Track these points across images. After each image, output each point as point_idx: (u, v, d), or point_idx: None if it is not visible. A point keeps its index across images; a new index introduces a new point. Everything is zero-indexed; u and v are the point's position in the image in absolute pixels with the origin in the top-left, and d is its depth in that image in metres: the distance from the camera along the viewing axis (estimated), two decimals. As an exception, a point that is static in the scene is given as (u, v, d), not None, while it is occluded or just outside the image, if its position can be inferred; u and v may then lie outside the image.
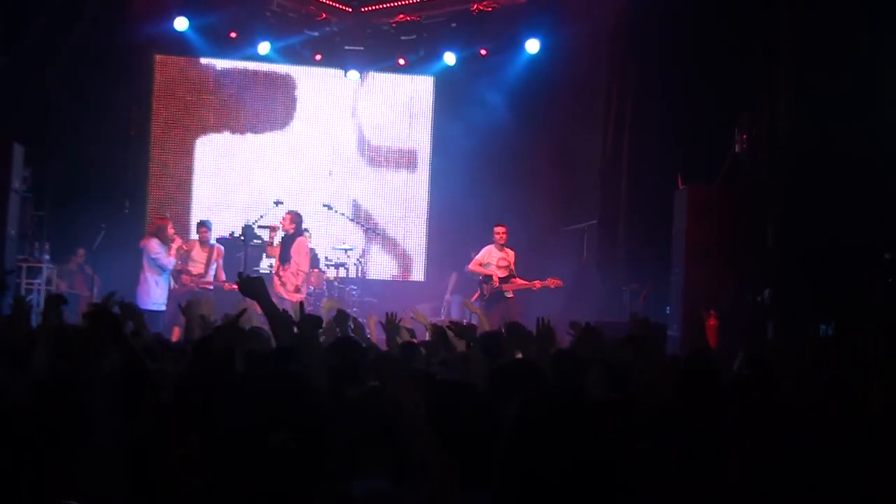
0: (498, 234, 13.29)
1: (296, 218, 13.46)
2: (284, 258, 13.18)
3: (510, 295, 13.13)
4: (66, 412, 3.35)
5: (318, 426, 3.05)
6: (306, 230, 14.56)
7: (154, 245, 12.85)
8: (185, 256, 13.32)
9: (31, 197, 14.21)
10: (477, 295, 13.20)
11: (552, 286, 13.20)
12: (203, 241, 13.51)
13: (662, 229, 13.51)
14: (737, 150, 13.15)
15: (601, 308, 13.80)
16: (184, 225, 15.85)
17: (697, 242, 12.71)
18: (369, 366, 4.79)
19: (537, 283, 13.15)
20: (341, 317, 6.69)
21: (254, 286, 5.02)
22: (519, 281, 13.17)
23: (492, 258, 13.29)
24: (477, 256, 13.42)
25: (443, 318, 13.84)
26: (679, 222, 13.16)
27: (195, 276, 13.24)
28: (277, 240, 13.46)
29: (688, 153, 13.50)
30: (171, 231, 13.13)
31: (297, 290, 13.36)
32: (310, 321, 4.68)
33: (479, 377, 4.50)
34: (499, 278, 13.15)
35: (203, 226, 13.60)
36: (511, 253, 13.32)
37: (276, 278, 13.13)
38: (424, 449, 2.76)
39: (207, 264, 13.36)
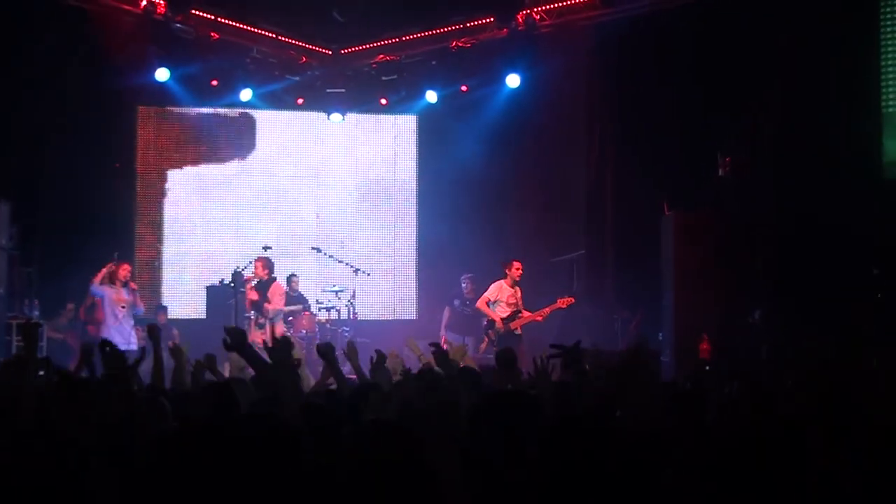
0: (517, 270, 13.22)
1: (268, 264, 13.51)
2: (263, 303, 13.21)
3: (518, 332, 13.12)
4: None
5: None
6: (294, 275, 14.60)
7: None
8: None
9: (19, 253, 14.21)
10: (485, 343, 13.16)
11: (564, 306, 13.14)
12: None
13: (650, 256, 13.58)
14: (720, 173, 13.24)
15: (594, 338, 13.81)
16: (173, 273, 15.92)
17: (686, 267, 12.78)
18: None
19: (546, 311, 13.11)
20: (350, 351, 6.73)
21: (238, 340, 5.06)
22: (526, 314, 13.16)
23: (502, 295, 13.25)
24: (486, 293, 13.39)
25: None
26: (666, 248, 13.23)
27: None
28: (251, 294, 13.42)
29: (672, 179, 13.59)
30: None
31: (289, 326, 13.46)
32: (282, 344, 4.69)
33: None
34: (502, 319, 13.14)
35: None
36: (519, 290, 13.30)
37: (254, 328, 13.11)
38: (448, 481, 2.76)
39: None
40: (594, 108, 15.14)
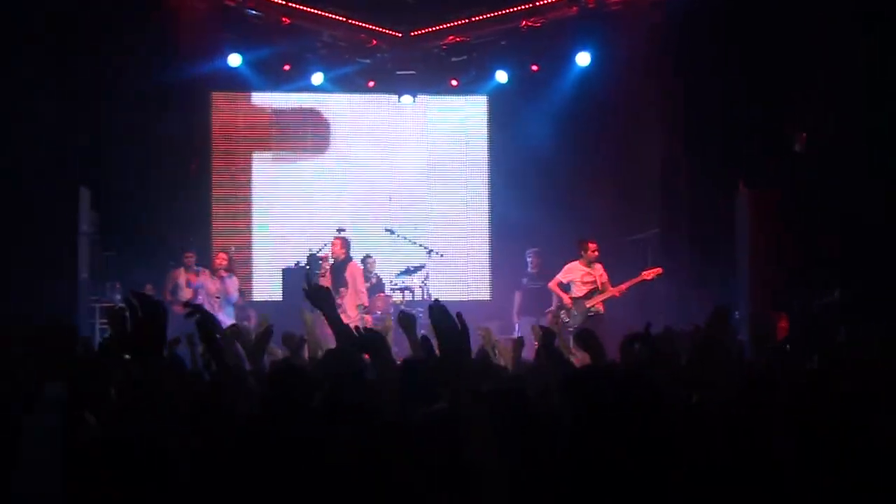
0: (592, 250, 13.17)
1: (345, 244, 13.58)
2: (339, 284, 13.26)
3: (600, 311, 13.07)
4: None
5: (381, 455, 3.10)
6: (369, 256, 14.67)
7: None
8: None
9: (100, 238, 14.51)
10: (560, 322, 12.96)
11: (650, 277, 13.00)
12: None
13: (725, 235, 13.44)
14: (797, 149, 13.04)
15: (668, 318, 13.70)
16: (247, 256, 16.11)
17: (762, 246, 12.64)
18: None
19: (624, 286, 13.02)
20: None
21: (321, 295, 5.06)
22: (609, 290, 13.07)
23: (575, 275, 13.18)
24: (558, 275, 13.34)
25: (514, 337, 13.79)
26: (742, 226, 13.09)
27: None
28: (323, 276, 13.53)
29: (746, 156, 13.42)
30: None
31: (366, 310, 13.49)
32: (373, 338, 4.69)
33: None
34: (574, 297, 13.11)
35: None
36: (599, 267, 13.19)
37: None
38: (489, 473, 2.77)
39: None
40: (666, 84, 14.96)
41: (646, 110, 15.35)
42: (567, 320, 12.91)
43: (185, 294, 13.32)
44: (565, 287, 13.26)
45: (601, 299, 13.02)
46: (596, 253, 13.16)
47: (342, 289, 13.26)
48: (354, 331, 4.83)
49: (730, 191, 13.24)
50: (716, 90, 13.83)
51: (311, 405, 4.07)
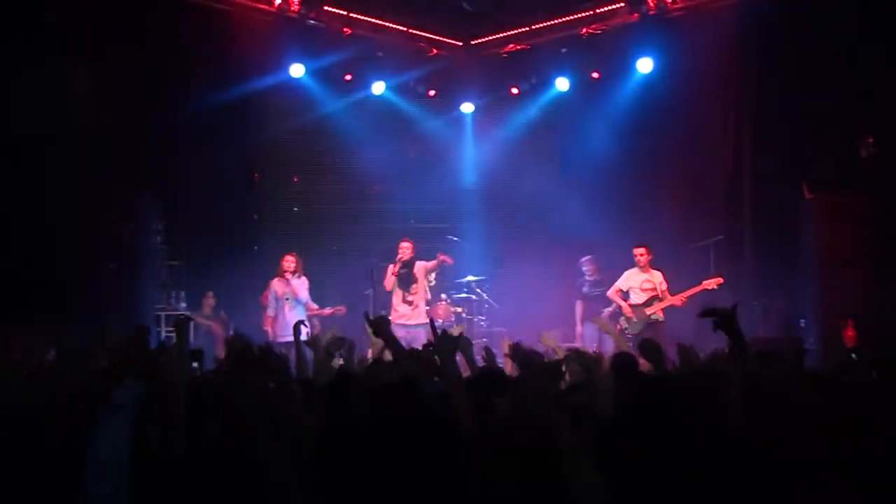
0: (637, 256, 13.17)
1: (413, 246, 13.66)
2: (409, 283, 13.35)
3: (660, 318, 13.00)
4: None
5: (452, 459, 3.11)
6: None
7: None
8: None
9: (166, 248, 14.72)
10: (618, 329, 12.96)
11: (711, 287, 12.85)
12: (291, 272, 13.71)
13: (790, 240, 13.29)
14: (863, 154, 12.87)
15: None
16: (314, 267, 16.24)
17: (829, 252, 12.47)
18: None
19: (685, 295, 12.92)
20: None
21: (382, 325, 5.16)
22: (669, 298, 13.01)
23: (633, 282, 13.18)
24: (617, 282, 13.34)
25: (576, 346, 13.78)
26: (808, 232, 12.93)
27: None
28: (390, 279, 13.56)
29: (812, 161, 13.25)
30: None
31: (428, 303, 13.61)
32: (446, 341, 4.70)
33: (607, 402, 4.48)
34: (634, 305, 13.05)
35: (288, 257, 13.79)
36: (658, 274, 13.18)
37: (404, 306, 13.27)
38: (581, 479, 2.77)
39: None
40: (730, 90, 14.83)
41: (710, 116, 15.23)
42: (626, 327, 12.87)
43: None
44: (625, 295, 13.22)
45: (661, 307, 12.94)
46: (644, 257, 13.11)
47: (413, 285, 13.36)
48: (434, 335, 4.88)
49: (795, 196, 13.08)
50: (781, 95, 13.70)
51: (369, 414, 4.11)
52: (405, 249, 13.51)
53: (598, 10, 15.32)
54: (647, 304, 12.97)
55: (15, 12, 12.18)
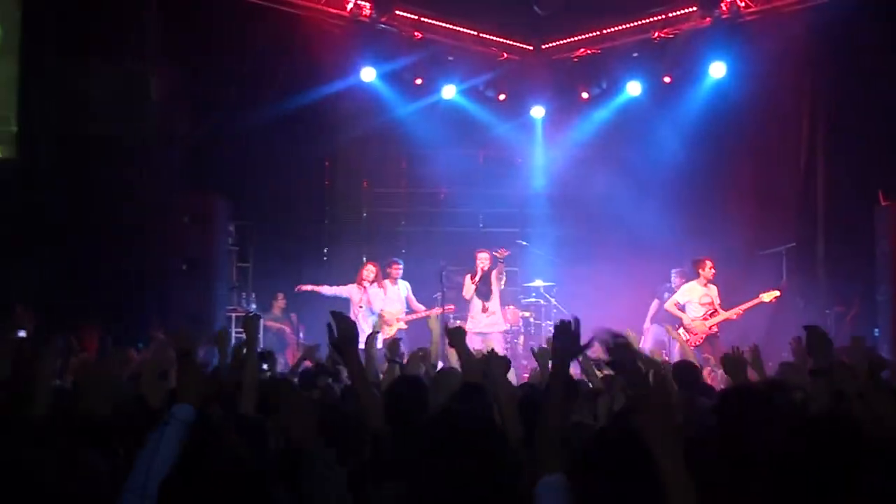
0: (708, 268, 13.13)
1: (492, 255, 13.73)
2: (488, 292, 13.43)
3: (714, 330, 12.93)
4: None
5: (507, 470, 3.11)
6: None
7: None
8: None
9: (237, 249, 14.91)
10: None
11: (769, 300, 12.80)
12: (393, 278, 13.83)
13: (864, 248, 13.07)
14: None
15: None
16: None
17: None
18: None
19: (742, 308, 12.88)
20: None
21: (457, 335, 5.20)
22: (723, 313, 12.96)
23: (693, 295, 13.15)
24: (676, 295, 13.34)
25: (641, 347, 13.70)
26: (882, 240, 12.71)
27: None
28: (469, 288, 13.61)
29: (887, 168, 13.03)
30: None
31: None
32: (499, 362, 4.73)
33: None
34: (692, 320, 13.01)
35: (396, 262, 13.87)
36: (714, 289, 13.16)
37: (482, 315, 13.35)
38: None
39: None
40: (804, 95, 14.62)
41: (782, 121, 15.04)
42: (687, 339, 12.81)
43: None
44: (681, 307, 13.22)
45: (718, 321, 12.90)
46: (713, 271, 13.09)
47: (491, 295, 13.54)
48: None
49: (869, 203, 12.86)
50: (855, 100, 13.48)
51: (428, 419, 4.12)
52: (483, 260, 13.62)
53: (670, 15, 15.19)
54: (705, 317, 12.91)
55: (88, 17, 12.45)
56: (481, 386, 4.72)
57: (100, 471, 3.05)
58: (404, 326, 13.56)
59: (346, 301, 13.56)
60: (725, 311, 12.93)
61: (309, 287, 13.75)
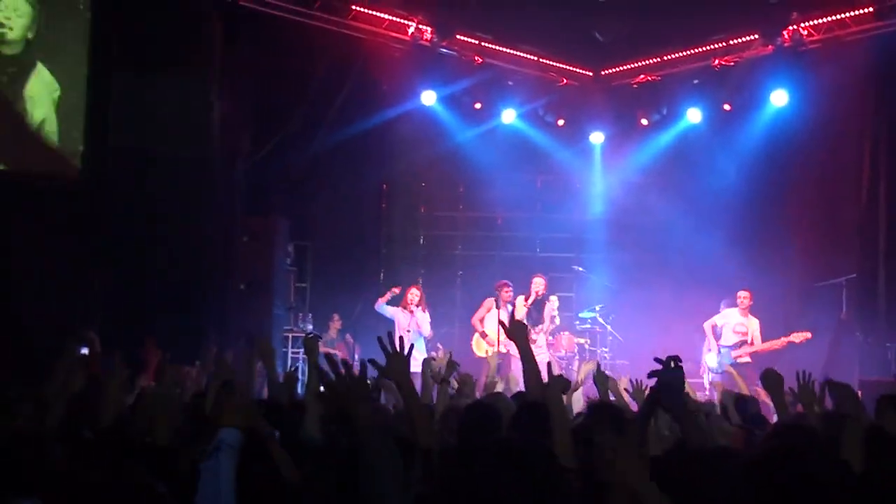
0: (741, 298, 13.40)
1: (547, 282, 13.73)
2: (538, 321, 13.40)
3: (748, 360, 12.95)
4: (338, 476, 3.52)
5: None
6: (552, 295, 14.68)
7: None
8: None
9: (295, 270, 15.05)
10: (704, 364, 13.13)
11: (798, 341, 12.86)
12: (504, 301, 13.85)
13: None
14: None
15: (864, 366, 13.20)
16: (435, 293, 16.31)
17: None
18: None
19: (767, 347, 13.06)
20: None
21: (518, 329, 5.19)
22: (755, 346, 13.16)
23: (730, 320, 13.43)
24: (715, 316, 13.65)
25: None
26: (945, 273, 12.53)
27: None
28: (521, 310, 13.58)
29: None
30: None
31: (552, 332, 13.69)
32: (559, 382, 4.72)
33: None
34: (719, 344, 13.38)
35: (507, 285, 13.88)
36: (755, 321, 13.34)
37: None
38: None
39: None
40: (865, 125, 14.45)
41: (844, 151, 14.88)
42: (711, 365, 13.23)
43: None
44: (717, 330, 13.54)
45: (747, 352, 13.10)
46: (746, 301, 13.34)
47: (539, 325, 13.41)
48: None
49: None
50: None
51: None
52: (539, 285, 13.60)
53: (731, 42, 15.10)
54: (735, 346, 13.17)
55: (153, 39, 12.67)
56: (539, 409, 4.71)
57: (159, 493, 3.11)
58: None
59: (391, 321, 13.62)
60: (761, 344, 13.17)
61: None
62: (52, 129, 12.77)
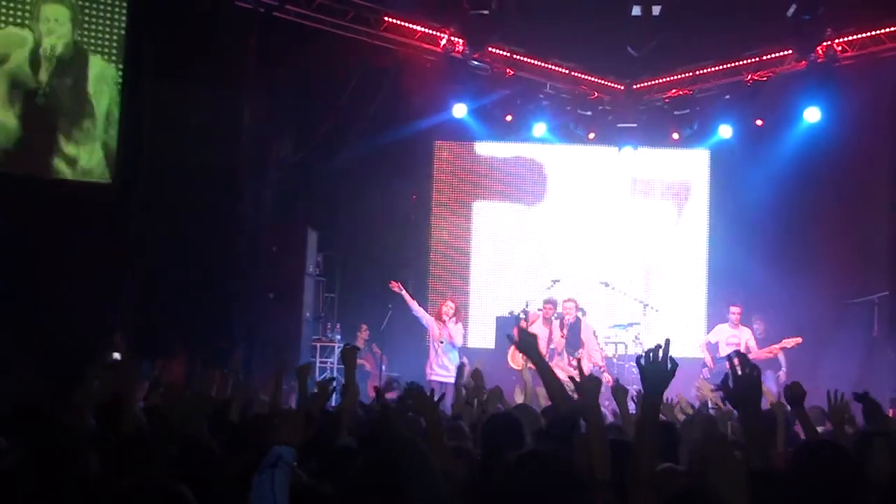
0: (732, 313, 14.17)
1: (576, 304, 13.71)
2: (575, 345, 13.35)
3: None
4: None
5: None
6: (582, 309, 14.61)
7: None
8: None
9: (324, 280, 15.08)
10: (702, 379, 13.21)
11: (790, 346, 13.38)
12: (546, 318, 13.77)
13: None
14: None
15: (896, 384, 13.10)
16: (463, 303, 16.27)
17: None
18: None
19: (762, 353, 13.43)
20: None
21: (529, 342, 5.14)
22: (755, 353, 13.39)
23: (720, 336, 14.15)
24: (708, 335, 14.34)
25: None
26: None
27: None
28: (538, 328, 13.54)
29: None
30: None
31: (601, 371, 13.58)
32: (591, 382, 4.65)
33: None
34: (713, 358, 13.90)
35: (549, 303, 13.84)
36: (747, 331, 13.97)
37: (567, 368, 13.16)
38: None
39: (549, 341, 13.58)
40: (900, 143, 14.37)
41: (877, 169, 14.78)
42: (708, 377, 13.20)
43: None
44: (713, 346, 14.10)
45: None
46: (736, 316, 14.04)
47: (579, 350, 13.38)
48: (570, 380, 4.87)
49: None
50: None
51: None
52: (569, 310, 13.56)
53: (764, 58, 15.02)
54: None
55: (187, 47, 12.75)
56: (568, 422, 4.67)
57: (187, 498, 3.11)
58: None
59: (423, 328, 13.62)
60: (757, 351, 13.59)
61: (402, 291, 13.70)
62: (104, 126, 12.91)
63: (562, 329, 13.59)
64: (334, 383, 6.82)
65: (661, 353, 3.72)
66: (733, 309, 14.14)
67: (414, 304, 13.75)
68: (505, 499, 3.31)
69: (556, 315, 13.76)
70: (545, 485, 3.26)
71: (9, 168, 12.42)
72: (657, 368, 3.71)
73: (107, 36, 12.98)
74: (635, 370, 14.26)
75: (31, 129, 12.64)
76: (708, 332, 15.08)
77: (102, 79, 12.88)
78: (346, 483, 3.61)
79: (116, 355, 9.98)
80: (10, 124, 12.53)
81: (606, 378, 11.19)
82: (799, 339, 13.31)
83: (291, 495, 3.64)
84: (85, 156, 12.74)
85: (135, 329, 11.76)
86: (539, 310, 14.05)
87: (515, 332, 5.28)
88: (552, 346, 13.43)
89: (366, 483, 3.46)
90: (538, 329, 13.56)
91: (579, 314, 14.05)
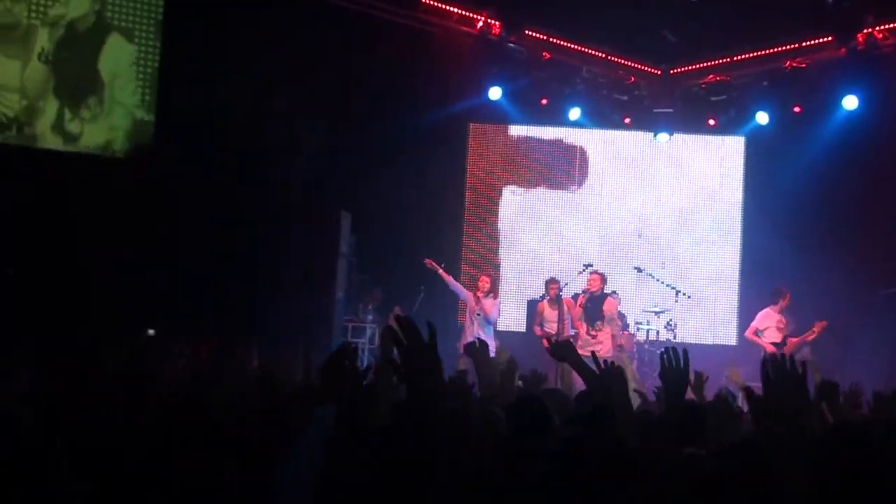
0: (787, 298, 13.62)
1: (603, 278, 13.63)
2: (595, 318, 13.28)
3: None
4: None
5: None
6: (614, 292, 14.56)
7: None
8: (538, 318, 13.74)
9: (356, 261, 15.12)
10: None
11: (818, 330, 13.16)
12: (552, 299, 13.79)
13: None
14: None
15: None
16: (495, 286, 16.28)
17: None
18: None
19: (796, 339, 13.25)
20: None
21: (565, 349, 5.17)
22: (791, 341, 13.22)
23: (770, 321, 13.54)
24: (753, 322, 13.63)
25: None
26: None
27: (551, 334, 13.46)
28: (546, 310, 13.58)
29: None
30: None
31: (621, 348, 13.51)
32: (611, 372, 4.69)
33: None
34: (773, 344, 13.22)
35: (553, 282, 13.87)
36: (784, 319, 13.59)
37: (587, 338, 13.14)
38: None
39: (559, 321, 13.58)
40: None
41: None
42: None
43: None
44: (759, 333, 13.58)
45: (793, 347, 13.12)
46: (785, 302, 13.58)
47: (598, 322, 13.29)
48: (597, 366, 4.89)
49: None
50: None
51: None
52: (594, 281, 13.49)
53: (803, 44, 14.87)
54: (783, 342, 13.23)
55: (217, 33, 12.83)
56: (602, 407, 4.68)
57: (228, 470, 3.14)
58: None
59: (456, 308, 13.68)
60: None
61: (437, 267, 13.77)
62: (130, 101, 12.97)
63: (582, 296, 13.51)
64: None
65: (681, 361, 3.80)
66: (788, 295, 13.69)
67: (450, 279, 13.83)
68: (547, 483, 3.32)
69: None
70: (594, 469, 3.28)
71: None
72: (678, 373, 3.80)
73: (133, 15, 13.07)
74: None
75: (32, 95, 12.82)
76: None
77: (118, 56, 12.99)
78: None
79: (151, 331, 10.10)
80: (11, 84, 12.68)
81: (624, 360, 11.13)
82: (824, 323, 13.19)
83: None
84: (90, 131, 12.92)
85: (167, 309, 11.83)
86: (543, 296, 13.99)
87: (546, 344, 5.34)
88: (565, 322, 13.41)
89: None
90: (546, 312, 13.59)
91: (610, 294, 13.99)
